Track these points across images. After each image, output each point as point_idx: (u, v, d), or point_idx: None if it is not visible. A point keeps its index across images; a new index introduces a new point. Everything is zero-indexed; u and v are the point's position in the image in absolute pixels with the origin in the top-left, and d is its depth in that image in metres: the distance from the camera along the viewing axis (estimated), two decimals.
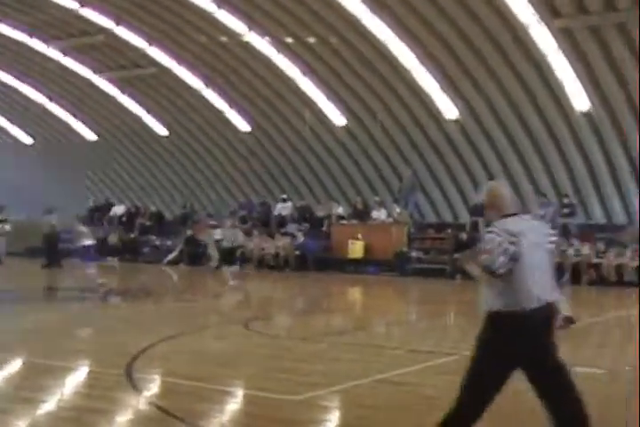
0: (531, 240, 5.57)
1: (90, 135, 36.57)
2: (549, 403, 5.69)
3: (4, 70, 34.78)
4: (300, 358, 10.32)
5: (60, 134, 37.49)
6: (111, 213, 35.28)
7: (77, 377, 9.17)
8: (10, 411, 7.16)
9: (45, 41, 31.31)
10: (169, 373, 8.94)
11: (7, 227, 19.23)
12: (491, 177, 26.97)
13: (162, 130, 33.99)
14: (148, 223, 33.86)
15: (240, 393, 8.28)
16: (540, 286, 5.60)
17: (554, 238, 5.99)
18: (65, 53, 31.91)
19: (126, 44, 29.70)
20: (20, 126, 38.77)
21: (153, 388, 8.43)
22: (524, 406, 6.70)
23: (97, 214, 35.82)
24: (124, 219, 34.53)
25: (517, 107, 25.18)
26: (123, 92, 33.29)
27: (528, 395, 5.88)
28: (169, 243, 31.26)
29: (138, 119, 34.02)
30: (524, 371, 5.68)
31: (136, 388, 8.11)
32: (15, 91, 35.80)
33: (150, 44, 29.54)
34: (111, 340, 11.34)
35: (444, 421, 5.70)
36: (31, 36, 31.21)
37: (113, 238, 32.59)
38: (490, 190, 5.92)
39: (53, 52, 31.97)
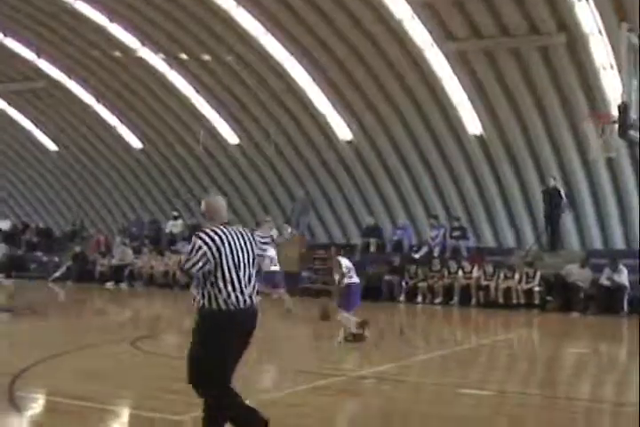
0: (232, 246, 6.20)
1: None
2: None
3: None
4: (182, 376, 10.30)
5: None
6: None
7: None
8: None
9: None
10: (52, 391, 8.85)
11: None
12: (383, 199, 27.49)
13: (51, 145, 33.41)
14: (35, 239, 33.20)
15: (125, 413, 8.26)
16: (240, 288, 6.20)
17: (263, 246, 6.63)
18: None
19: (15, 55, 29.15)
20: None
21: (35, 407, 8.34)
22: None
23: None
24: (8, 235, 33.80)
25: (411, 129, 25.50)
26: (12, 105, 32.62)
27: None
28: (56, 259, 30.71)
29: (27, 133, 33.37)
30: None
31: (16, 407, 8.00)
32: None
33: (39, 57, 29.08)
34: None
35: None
36: None
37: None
38: (207, 203, 6.57)
39: None
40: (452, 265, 23.85)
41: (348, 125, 26.48)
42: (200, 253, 6.16)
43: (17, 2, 26.24)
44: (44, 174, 34.93)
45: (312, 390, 9.44)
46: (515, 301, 22.46)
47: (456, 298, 23.32)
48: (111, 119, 30.88)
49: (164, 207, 32.37)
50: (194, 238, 6.25)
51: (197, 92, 27.95)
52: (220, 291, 6.17)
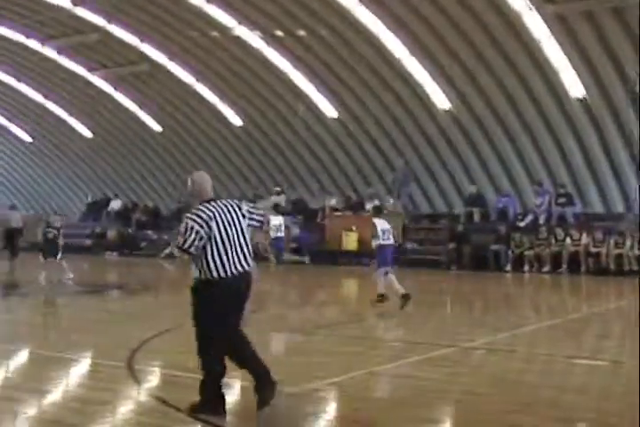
0: (222, 220, 6.70)
1: (86, 132, 36.80)
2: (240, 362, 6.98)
3: (2, 70, 34.99)
4: (295, 350, 10.54)
5: (58, 131, 37.71)
6: (108, 208, 35.61)
7: (81, 369, 9.43)
8: (17, 399, 7.49)
9: (41, 40, 31.54)
10: (168, 365, 9.17)
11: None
12: (485, 167, 27.23)
13: (156, 125, 34.20)
14: (144, 218, 34.13)
15: (238, 385, 8.46)
16: (234, 258, 6.71)
17: (255, 216, 7.04)
18: (60, 52, 32.14)
19: (119, 41, 29.88)
20: (19, 125, 39.01)
21: (153, 380, 8.68)
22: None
23: (95, 209, 36.25)
24: (120, 214, 34.90)
25: (511, 95, 25.16)
26: (117, 88, 33.50)
27: None
28: (165, 237, 31.49)
29: (132, 115, 34.24)
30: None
31: (137, 380, 8.35)
32: (13, 90, 36.09)
33: (142, 41, 29.74)
34: (112, 333, 11.59)
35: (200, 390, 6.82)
36: (27, 36, 31.43)
37: (111, 233, 32.90)
38: (191, 181, 7.02)
39: (49, 51, 32.22)
40: (559, 232, 23.54)
41: (446, 94, 26.25)
42: (194, 231, 6.65)
43: None
44: (150, 155, 35.80)
45: (424, 361, 9.49)
46: (627, 267, 22.06)
47: (564, 266, 23.03)
48: (211, 98, 31.37)
49: (266, 183, 32.80)
50: (185, 219, 6.73)
51: (295, 67, 28.10)
52: (214, 261, 6.68)
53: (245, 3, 26.08)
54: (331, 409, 7.56)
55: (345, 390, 8.09)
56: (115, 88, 33.52)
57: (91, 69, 32.76)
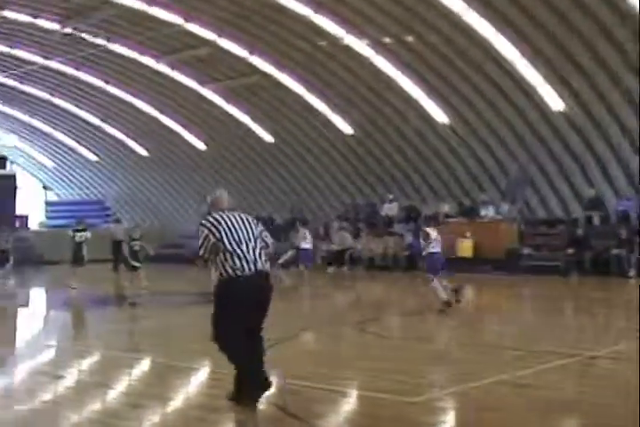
0: (230, 226, 7.43)
1: (199, 144, 37.55)
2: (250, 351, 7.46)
3: (118, 87, 36.10)
4: (415, 358, 10.43)
5: (172, 145, 38.61)
6: None
7: (201, 377, 9.56)
8: (142, 406, 7.71)
9: (155, 57, 32.38)
10: (287, 373, 9.20)
11: (88, 234, 20.58)
12: (603, 169, 26.46)
13: (267, 136, 34.62)
14: None
15: (356, 394, 8.44)
16: (244, 257, 7.35)
17: (265, 237, 7.77)
18: (173, 67, 32.93)
19: (229, 54, 30.38)
20: (135, 139, 40.14)
21: (271, 388, 8.71)
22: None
23: None
24: None
25: (630, 94, 24.24)
26: (228, 101, 34.08)
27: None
28: (280, 247, 31.73)
29: (245, 127, 34.75)
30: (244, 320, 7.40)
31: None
32: (130, 105, 37.13)
33: (252, 53, 30.16)
34: None
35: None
36: (142, 53, 32.33)
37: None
38: (210, 198, 7.94)
39: (163, 67, 33.06)
40: None
41: (560, 95, 25.65)
42: (203, 236, 7.45)
43: (227, 3, 27.25)
44: (262, 165, 36.23)
45: (547, 370, 9.28)
46: None
47: None
48: (321, 107, 31.56)
49: (378, 190, 32.77)
50: (199, 227, 7.55)
51: (404, 74, 28.00)
52: (226, 261, 7.36)
53: (353, 12, 26.13)
54: (450, 420, 7.44)
55: (466, 399, 7.95)
56: (226, 100, 34.10)
57: (202, 83, 33.44)
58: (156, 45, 31.56)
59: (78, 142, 42.98)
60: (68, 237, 20.80)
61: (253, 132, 34.83)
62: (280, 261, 30.33)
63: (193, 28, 29.16)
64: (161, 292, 20.61)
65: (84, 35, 30.78)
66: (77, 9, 29.07)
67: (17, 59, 35.03)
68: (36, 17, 30.34)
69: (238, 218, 7.64)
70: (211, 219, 7.56)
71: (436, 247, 15.26)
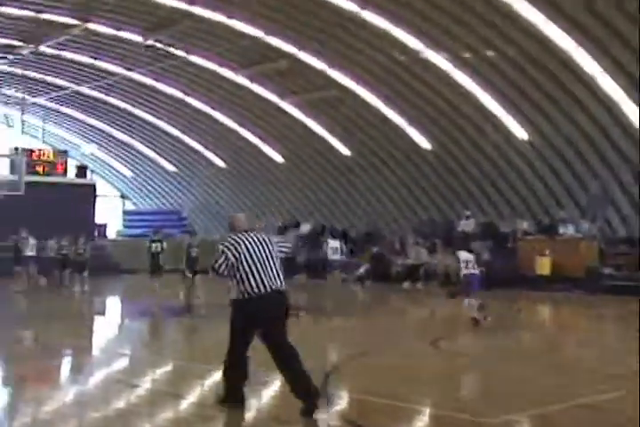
0: (249, 246, 7.89)
1: (277, 157, 37.74)
2: (283, 373, 7.94)
3: (198, 99, 36.56)
4: (492, 378, 10.21)
5: (250, 157, 38.88)
6: (298, 231, 36.27)
7: (276, 390, 9.48)
8: (211, 418, 7.79)
9: (234, 69, 32.68)
10: (361, 390, 9.09)
11: (164, 245, 20.78)
12: None
13: (345, 150, 34.60)
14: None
15: (433, 413, 8.29)
16: (260, 278, 7.78)
17: (281, 245, 8.58)
18: (252, 80, 33.19)
19: (308, 67, 30.49)
20: (214, 151, 40.55)
21: (346, 404, 8.60)
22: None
23: (285, 233, 37.00)
24: (309, 237, 35.42)
25: None
26: (307, 114, 34.19)
27: None
28: (354, 260, 31.63)
29: (322, 140, 34.81)
30: (264, 344, 7.90)
31: (329, 403, 8.30)
32: (209, 117, 37.56)
33: (331, 67, 30.21)
34: (304, 355, 11.62)
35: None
36: (221, 65, 32.67)
37: (300, 257, 33.39)
38: (230, 219, 8.51)
39: (242, 79, 33.35)
40: None
41: None
42: (223, 255, 7.91)
43: (307, 17, 27.37)
44: (339, 179, 36.23)
45: (628, 394, 8.91)
46: None
47: None
48: (399, 121, 31.41)
49: (455, 206, 32.44)
50: (219, 246, 8.06)
51: (483, 89, 27.70)
52: (243, 281, 7.82)
53: (432, 25, 25.98)
54: None
55: (546, 422, 7.75)
56: (304, 113, 34.21)
57: (281, 95, 33.62)
58: (235, 58, 31.86)
59: (157, 153, 43.61)
60: (145, 247, 21.03)
61: (330, 146, 34.85)
62: (354, 275, 30.34)
63: (273, 40, 29.35)
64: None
65: (165, 46, 31.23)
66: (159, 21, 29.54)
67: (100, 70, 35.78)
68: (119, 29, 30.93)
69: (256, 239, 8.05)
70: (231, 240, 8.01)
71: (470, 269, 16.00)
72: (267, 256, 7.92)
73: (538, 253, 26.27)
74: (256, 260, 7.84)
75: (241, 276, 7.83)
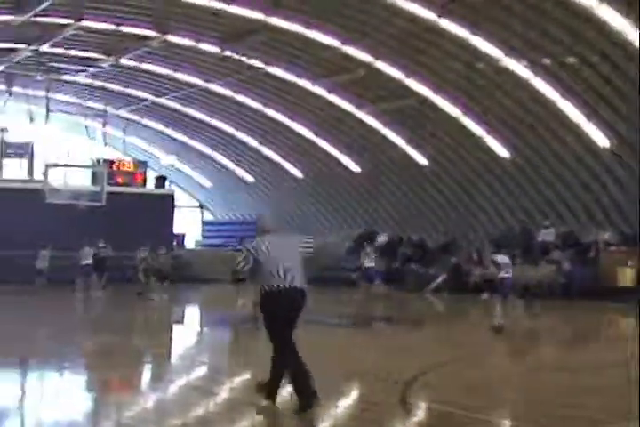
0: (270, 247, 8.25)
1: (354, 167, 37.71)
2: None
3: (276, 109, 36.79)
4: (573, 390, 9.94)
5: (327, 167, 38.92)
6: (375, 241, 36.14)
7: (353, 401, 9.41)
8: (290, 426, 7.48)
9: (311, 79, 32.80)
10: (441, 401, 8.94)
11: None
12: None
13: (422, 159, 34.39)
14: (410, 252, 34.28)
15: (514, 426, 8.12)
16: (278, 275, 8.13)
17: (306, 245, 8.62)
18: (329, 90, 33.26)
19: (385, 77, 30.41)
20: (291, 161, 40.73)
21: (426, 415, 8.47)
22: None
23: (361, 243, 36.95)
24: (386, 248, 35.27)
25: None
26: (384, 124, 34.09)
27: None
28: (432, 271, 31.40)
29: (399, 150, 34.65)
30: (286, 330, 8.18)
31: (411, 414, 8.19)
32: (286, 128, 37.75)
33: (408, 76, 30.08)
34: (383, 364, 11.55)
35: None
36: (299, 75, 32.83)
37: (378, 267, 33.33)
38: (259, 219, 9.41)
39: (319, 90, 33.45)
40: None
41: None
42: (244, 255, 8.46)
43: (385, 26, 27.32)
44: (416, 189, 36.01)
45: None
46: None
47: None
48: (477, 130, 31.09)
49: (534, 216, 31.92)
50: (242, 248, 8.98)
51: (564, 97, 27.22)
52: (264, 279, 8.24)
53: (512, 33, 25.69)
54: None
55: None
56: (382, 123, 34.12)
57: (358, 106, 33.60)
58: (312, 68, 31.98)
59: (235, 164, 43.99)
60: (223, 257, 21.19)
61: (408, 156, 34.67)
62: (431, 286, 30.10)
63: (350, 50, 29.37)
64: (318, 313, 20.62)
65: (242, 58, 31.52)
66: (237, 33, 29.81)
67: (179, 81, 36.29)
68: (197, 41, 31.34)
69: (279, 240, 8.50)
70: (253, 243, 8.52)
71: (505, 273, 16.89)
72: (287, 256, 8.28)
73: (620, 264, 25.69)
74: (276, 259, 8.20)
75: (263, 273, 8.26)
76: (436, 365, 11.41)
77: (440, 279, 30.28)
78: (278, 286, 8.16)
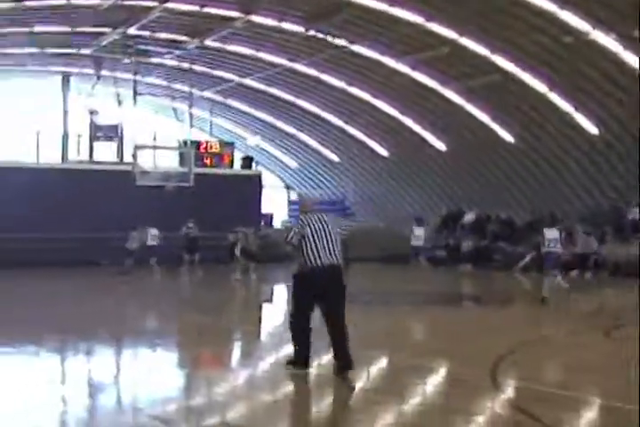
0: (313, 226, 9.28)
1: (440, 145, 37.43)
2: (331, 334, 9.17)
3: (360, 88, 36.70)
4: None
5: (413, 145, 38.70)
6: (463, 220, 35.94)
7: (442, 377, 9.43)
8: (378, 402, 7.74)
9: (395, 57, 32.59)
10: (531, 378, 8.90)
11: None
12: None
13: (508, 136, 33.93)
14: (498, 230, 33.95)
15: (602, 403, 8.03)
16: (321, 253, 9.14)
17: (344, 226, 9.71)
18: (413, 67, 33.01)
19: (470, 53, 30.03)
20: (377, 140, 40.64)
21: (516, 392, 8.44)
22: None
23: (449, 222, 36.83)
24: (474, 226, 35.03)
25: None
26: (468, 101, 33.71)
27: None
28: (520, 249, 30.99)
29: (485, 127, 34.24)
30: (319, 305, 9.19)
31: (500, 390, 8.17)
32: (371, 106, 37.63)
33: (493, 52, 29.64)
34: (472, 343, 11.55)
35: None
36: (382, 53, 32.66)
37: (466, 246, 33.13)
38: (300, 199, 12.93)
39: (403, 67, 33.24)
40: None
41: None
42: (294, 230, 9.38)
43: (469, 1, 26.94)
44: (503, 166, 35.56)
45: None
46: None
47: None
48: (565, 106, 30.49)
49: (624, 194, 31.21)
50: (293, 225, 9.99)
51: None
52: (305, 253, 9.19)
53: (601, 5, 25.05)
54: None
55: None
56: (466, 100, 33.75)
57: (443, 83, 33.27)
58: (396, 45, 31.75)
59: (320, 143, 44.09)
60: None
61: (494, 132, 34.24)
62: (520, 264, 29.70)
63: (434, 27, 29.07)
64: (396, 292, 20.69)
65: (326, 36, 31.47)
66: (320, 11, 29.76)
67: (263, 61, 36.45)
68: (280, 20, 31.41)
69: (319, 219, 9.41)
70: (301, 220, 9.46)
71: (553, 248, 17.80)
72: (326, 234, 9.25)
73: None
74: (316, 237, 9.20)
75: (304, 249, 9.19)
76: (524, 343, 11.33)
77: (528, 258, 29.83)
78: (318, 262, 9.09)
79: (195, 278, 26.64)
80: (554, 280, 18.38)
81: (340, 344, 8.98)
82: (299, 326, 9.31)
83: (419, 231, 21.10)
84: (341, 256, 9.30)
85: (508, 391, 8.41)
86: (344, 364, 8.83)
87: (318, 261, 9.09)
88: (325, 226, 9.30)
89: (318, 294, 9.12)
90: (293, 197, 49.87)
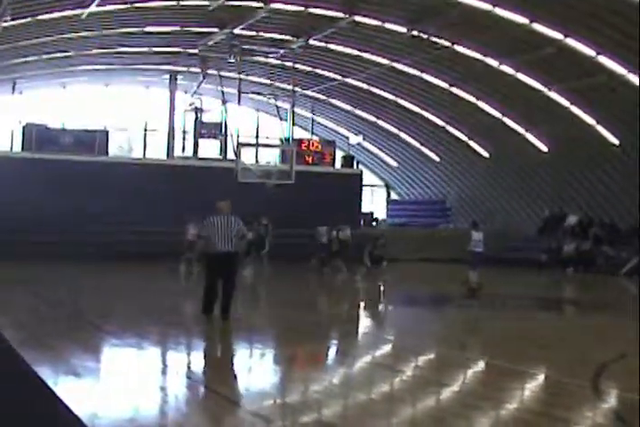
0: (217, 223, 13.24)
1: (542, 146, 36.86)
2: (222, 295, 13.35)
3: (462, 88, 36.47)
4: None
5: (514, 146, 38.21)
6: (565, 222, 35.34)
7: (539, 383, 9.35)
8: (474, 406, 7.68)
9: (499, 57, 32.25)
10: (631, 388, 8.72)
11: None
12: None
13: (613, 138, 33.19)
14: (601, 233, 33.27)
15: None
16: (219, 243, 13.13)
17: (239, 226, 13.35)
18: (517, 69, 32.62)
19: (575, 53, 29.47)
20: (477, 140, 40.28)
21: (616, 401, 8.30)
22: None
23: (551, 224, 36.25)
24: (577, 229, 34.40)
25: None
26: (573, 102, 33.11)
27: None
28: (624, 254, 30.35)
29: (589, 128, 33.55)
30: (220, 280, 13.29)
31: (601, 400, 8.05)
32: (473, 106, 37.30)
33: (599, 53, 29.04)
34: (571, 350, 11.38)
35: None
36: (485, 54, 32.36)
37: (568, 249, 32.58)
38: (217, 206, 13.57)
39: (506, 68, 32.89)
40: None
41: None
42: (204, 226, 13.53)
43: (576, 2, 26.47)
44: (606, 167, 34.74)
45: None
46: None
47: None
48: None
49: None
50: (204, 221, 13.67)
51: None
52: (211, 243, 13.25)
53: None
54: None
55: None
56: (571, 101, 33.15)
57: (546, 84, 32.76)
58: (500, 46, 31.41)
59: (422, 143, 43.90)
60: (410, 236, 21.31)
61: (599, 134, 33.52)
62: (625, 269, 29.08)
63: (538, 27, 28.66)
64: (499, 294, 20.51)
65: (430, 37, 31.35)
66: (424, 12, 29.67)
67: (366, 61, 36.51)
68: (384, 21, 31.43)
69: (224, 218, 13.32)
70: (209, 218, 13.45)
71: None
72: (227, 229, 13.16)
73: None
74: (219, 231, 13.13)
75: (211, 239, 13.22)
76: (627, 353, 11.11)
77: (633, 261, 29.23)
78: (219, 249, 13.17)
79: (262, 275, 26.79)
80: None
81: (226, 298, 13.17)
82: (210, 289, 13.35)
83: (477, 236, 20.38)
84: (236, 246, 13.31)
85: (609, 401, 8.28)
86: (223, 309, 13.14)
87: (220, 249, 13.08)
88: (228, 222, 13.17)
89: (218, 270, 13.19)
90: (393, 196, 49.85)
